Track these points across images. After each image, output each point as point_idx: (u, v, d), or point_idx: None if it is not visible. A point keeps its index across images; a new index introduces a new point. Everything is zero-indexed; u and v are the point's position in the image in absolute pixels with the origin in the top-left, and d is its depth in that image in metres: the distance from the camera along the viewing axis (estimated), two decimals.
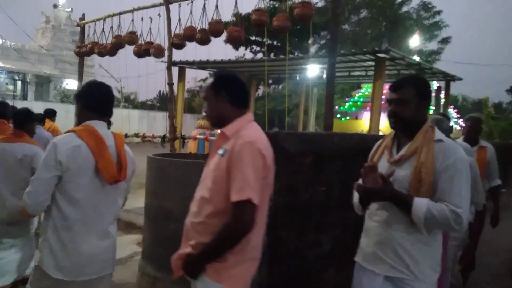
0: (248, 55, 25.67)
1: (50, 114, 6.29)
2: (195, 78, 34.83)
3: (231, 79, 1.85)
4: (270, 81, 25.67)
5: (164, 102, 37.00)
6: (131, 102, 32.15)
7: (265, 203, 1.79)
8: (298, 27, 19.31)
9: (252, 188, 1.61)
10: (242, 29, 5.21)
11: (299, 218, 2.75)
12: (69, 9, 30.00)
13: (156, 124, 24.54)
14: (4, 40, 24.75)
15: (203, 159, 4.68)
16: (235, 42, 5.32)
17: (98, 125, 2.10)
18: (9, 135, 3.14)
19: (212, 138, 6.48)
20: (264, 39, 22.43)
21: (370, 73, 11.41)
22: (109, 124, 2.32)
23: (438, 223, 1.77)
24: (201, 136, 6.86)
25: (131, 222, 6.44)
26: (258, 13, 4.84)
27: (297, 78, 13.01)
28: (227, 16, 6.20)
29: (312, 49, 25.40)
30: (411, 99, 1.90)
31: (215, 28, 5.33)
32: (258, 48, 25.26)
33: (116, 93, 29.43)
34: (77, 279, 2.03)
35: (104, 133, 2.09)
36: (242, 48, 24.71)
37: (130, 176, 2.32)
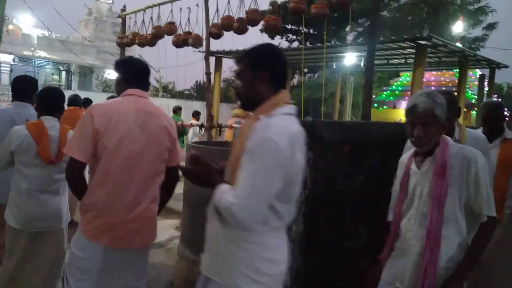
0: (284, 43, 25.49)
1: (87, 103, 6.62)
2: (231, 67, 35.03)
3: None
4: (306, 70, 25.43)
5: (201, 92, 37.46)
6: (169, 92, 32.77)
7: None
8: (336, 14, 18.93)
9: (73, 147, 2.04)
10: (279, 18, 5.20)
11: (336, 208, 2.75)
12: (110, 1, 30.84)
13: None
14: (50, 32, 25.83)
15: None
16: (272, 30, 5.32)
17: (47, 120, 2.74)
18: None
19: None
20: (301, 28, 22.17)
21: (410, 61, 11.08)
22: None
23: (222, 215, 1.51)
24: (237, 125, 6.94)
25: (170, 207, 6.64)
26: (296, 1, 4.81)
27: (334, 67, 12.81)
28: (263, 5, 6.20)
29: (350, 37, 24.84)
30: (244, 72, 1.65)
31: (253, 17, 5.34)
32: (294, 37, 25.01)
33: (155, 83, 30.18)
34: (28, 230, 2.68)
35: (50, 126, 2.71)
36: (277, 37, 24.63)
37: None
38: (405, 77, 15.65)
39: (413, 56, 9.45)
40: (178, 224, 5.80)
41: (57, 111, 2.86)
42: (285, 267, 1.64)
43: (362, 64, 11.46)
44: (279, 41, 25.75)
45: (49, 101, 2.86)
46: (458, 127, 2.31)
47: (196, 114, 9.58)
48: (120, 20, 8.62)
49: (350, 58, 11.08)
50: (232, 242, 1.55)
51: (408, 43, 8.21)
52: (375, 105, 15.64)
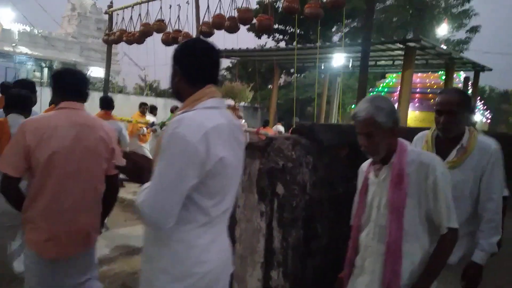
0: (270, 43, 25.47)
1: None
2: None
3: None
4: (292, 70, 25.46)
5: None
6: (154, 90, 32.45)
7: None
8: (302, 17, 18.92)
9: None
10: (271, 17, 5.13)
11: (334, 211, 2.71)
12: None
13: None
14: (32, 28, 25.26)
15: None
16: (264, 30, 5.27)
17: (12, 118, 2.86)
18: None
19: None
20: (290, 28, 22.14)
21: (397, 62, 11.15)
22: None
23: None
24: None
25: None
26: (289, 0, 4.75)
27: (322, 67, 12.83)
28: (252, 3, 6.12)
29: (336, 38, 24.98)
30: None
31: (245, 16, 5.27)
32: (281, 37, 25.00)
33: (139, 81, 29.67)
34: None
35: (14, 124, 2.73)
36: (264, 37, 24.59)
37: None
38: (391, 79, 15.77)
39: (400, 57, 9.50)
40: None
41: (26, 109, 2.89)
42: (214, 267, 1.53)
43: (350, 65, 11.50)
44: (266, 41, 25.77)
45: (16, 99, 2.92)
46: (469, 132, 2.15)
47: (171, 110, 9.21)
48: (104, 16, 8.46)
49: (339, 59, 11.10)
50: (159, 242, 1.48)
51: (398, 45, 8.25)
52: None
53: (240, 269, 2.51)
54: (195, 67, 1.55)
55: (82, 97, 2.29)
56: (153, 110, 8.72)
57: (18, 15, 25.81)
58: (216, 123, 1.45)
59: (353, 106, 15.37)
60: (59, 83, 2.27)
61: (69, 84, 2.25)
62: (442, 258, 1.75)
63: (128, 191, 7.43)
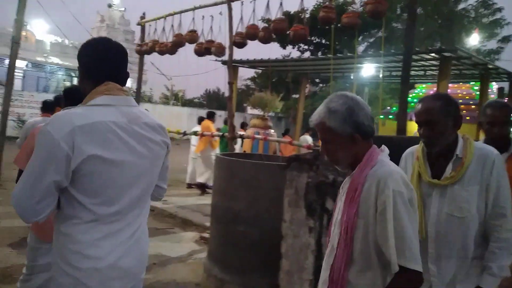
0: (295, 53, 25.46)
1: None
2: (241, 76, 35.08)
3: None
4: (317, 80, 25.31)
5: (211, 100, 37.59)
6: (179, 100, 32.88)
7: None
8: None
9: None
10: (307, 27, 5.07)
11: None
12: (123, 9, 31.11)
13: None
14: (63, 39, 26.07)
15: (267, 160, 4.61)
16: (299, 40, 5.19)
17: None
18: None
19: (270, 138, 6.38)
20: (315, 38, 22.05)
21: (429, 72, 10.90)
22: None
23: None
24: (259, 136, 6.79)
25: (187, 219, 6.51)
26: (326, 10, 4.68)
27: (351, 77, 12.67)
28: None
29: (361, 48, 24.76)
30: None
31: (279, 26, 5.22)
32: (306, 47, 24.97)
33: (165, 91, 30.05)
34: None
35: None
36: (289, 47, 24.59)
37: None
38: (421, 89, 15.46)
39: (432, 68, 9.27)
40: (198, 237, 5.65)
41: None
42: (105, 265, 1.49)
43: (380, 75, 11.33)
44: (290, 51, 25.77)
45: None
46: (463, 140, 1.87)
47: (211, 116, 9.54)
48: (132, 27, 8.63)
49: (369, 69, 10.95)
50: (54, 235, 1.54)
51: (433, 55, 8.05)
52: (391, 117, 15.45)
53: (286, 286, 2.42)
54: (90, 65, 1.59)
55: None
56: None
57: (50, 27, 26.73)
58: (92, 120, 1.45)
59: (381, 116, 15.11)
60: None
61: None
62: None
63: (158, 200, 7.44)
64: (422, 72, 10.95)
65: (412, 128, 14.02)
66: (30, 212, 1.43)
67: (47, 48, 25.86)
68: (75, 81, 27.78)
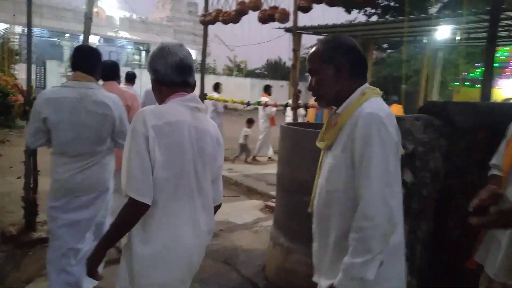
0: (360, 18, 24.16)
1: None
2: (303, 45, 34.19)
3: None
4: (385, 45, 23.93)
5: (273, 71, 37.27)
6: (241, 71, 33.00)
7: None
8: None
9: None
10: None
11: (467, 202, 2.37)
12: None
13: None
14: (131, 14, 26.99)
15: None
16: (368, 2, 4.83)
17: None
18: None
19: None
20: (383, 1, 20.70)
21: None
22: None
23: None
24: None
25: (252, 188, 6.60)
26: None
27: (424, 41, 11.76)
28: None
29: (433, 9, 22.83)
30: None
31: None
32: (373, 10, 23.56)
33: (228, 62, 30.32)
34: None
35: None
36: (354, 11, 23.36)
37: None
38: (502, 52, 14.00)
39: None
40: (263, 205, 5.70)
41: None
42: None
43: (457, 38, 10.36)
44: (356, 16, 24.49)
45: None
46: (360, 95, 1.52)
47: (267, 89, 9.38)
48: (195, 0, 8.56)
49: (444, 32, 10.04)
50: None
51: None
52: (467, 83, 14.27)
53: None
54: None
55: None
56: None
57: (118, 2, 27.76)
58: (57, 95, 2.53)
59: (455, 83, 14.00)
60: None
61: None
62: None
63: (223, 168, 7.62)
64: (505, 33, 9.83)
65: (495, 96, 12.88)
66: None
67: (117, 23, 26.96)
68: (143, 54, 28.89)
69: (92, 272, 1.61)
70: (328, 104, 1.58)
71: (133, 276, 1.63)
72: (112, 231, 1.63)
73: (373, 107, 1.43)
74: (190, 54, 1.81)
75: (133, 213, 1.56)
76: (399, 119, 2.25)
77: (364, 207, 1.36)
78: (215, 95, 8.92)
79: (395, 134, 1.43)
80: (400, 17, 9.83)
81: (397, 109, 9.55)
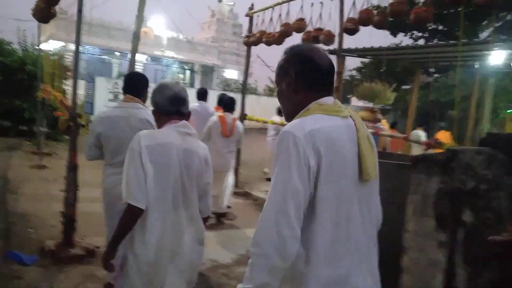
0: (406, 41, 23.57)
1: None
2: (345, 67, 33.78)
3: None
4: (432, 70, 23.16)
5: None
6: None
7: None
8: (471, 8, 16.72)
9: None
10: (431, 8, 4.48)
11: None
12: (232, 3, 32.16)
13: None
14: (178, 34, 27.90)
15: (379, 157, 4.20)
16: (421, 23, 4.63)
17: None
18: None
19: (382, 132, 5.89)
20: (430, 24, 20.12)
21: None
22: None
23: None
24: (371, 130, 6.34)
25: None
26: None
27: (476, 66, 11.22)
28: None
29: (485, 34, 21.91)
30: None
31: (398, 9, 4.70)
32: (420, 34, 22.93)
33: (269, 83, 30.63)
34: None
35: None
36: (400, 34, 22.83)
37: None
38: None
39: None
40: None
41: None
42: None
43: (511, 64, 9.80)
44: (401, 39, 23.94)
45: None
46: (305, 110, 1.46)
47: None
48: (239, 21, 8.68)
49: (497, 57, 9.53)
50: None
51: None
52: None
53: None
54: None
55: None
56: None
57: (166, 23, 28.82)
58: (110, 115, 2.98)
59: (508, 110, 13.22)
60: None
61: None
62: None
63: (260, 190, 7.49)
64: None
65: None
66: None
67: (164, 43, 27.90)
68: (188, 73, 29.67)
69: (106, 266, 2.04)
70: (291, 120, 1.42)
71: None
72: (117, 232, 2.01)
73: (293, 125, 1.31)
74: (184, 90, 2.18)
75: (131, 216, 1.95)
76: (457, 152, 2.04)
77: (256, 230, 1.25)
78: (276, 118, 8.73)
79: (312, 156, 1.24)
80: (451, 41, 9.41)
81: (445, 136, 9.08)
